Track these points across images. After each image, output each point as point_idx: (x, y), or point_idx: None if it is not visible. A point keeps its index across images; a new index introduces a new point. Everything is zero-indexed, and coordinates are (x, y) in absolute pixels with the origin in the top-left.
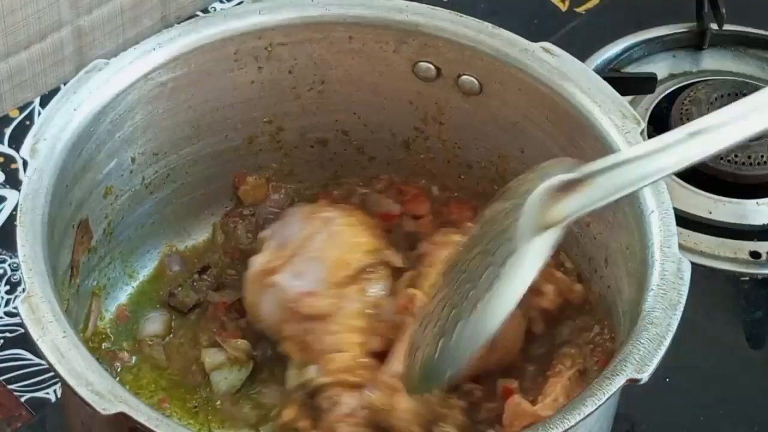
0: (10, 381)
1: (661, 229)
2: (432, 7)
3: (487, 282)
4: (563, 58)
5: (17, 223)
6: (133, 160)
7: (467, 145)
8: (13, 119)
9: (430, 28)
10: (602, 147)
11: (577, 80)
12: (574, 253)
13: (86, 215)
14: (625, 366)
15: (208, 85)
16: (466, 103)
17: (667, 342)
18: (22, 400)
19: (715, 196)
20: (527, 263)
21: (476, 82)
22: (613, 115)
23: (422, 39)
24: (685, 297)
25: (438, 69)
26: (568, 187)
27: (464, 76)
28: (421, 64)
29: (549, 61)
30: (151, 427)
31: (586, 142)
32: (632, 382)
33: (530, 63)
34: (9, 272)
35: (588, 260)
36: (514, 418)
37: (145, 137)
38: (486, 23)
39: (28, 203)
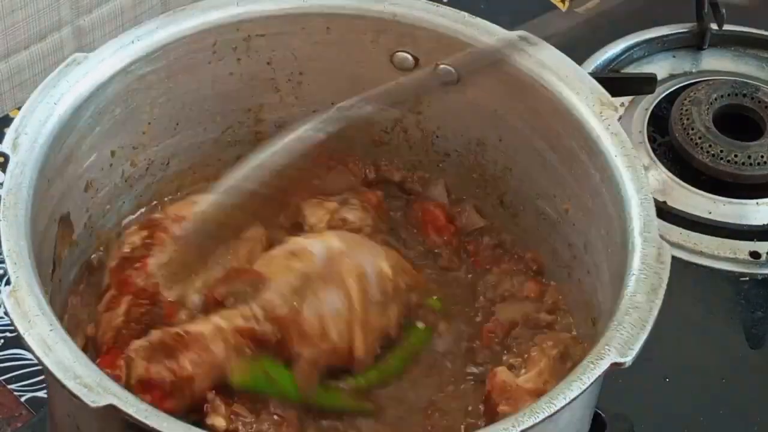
0: (10, 381)
1: (641, 215)
2: None
3: None
4: (541, 47)
5: (0, 217)
6: (113, 153)
7: (446, 135)
8: (13, 119)
9: (407, 18)
10: (580, 135)
11: (555, 68)
12: (552, 239)
13: (67, 209)
14: (609, 350)
15: (187, 77)
16: (444, 93)
17: (649, 326)
18: (22, 399)
19: (715, 196)
20: None
21: (454, 71)
22: (592, 103)
23: (400, 29)
24: (666, 281)
25: (416, 59)
26: None
27: (442, 66)
28: (399, 54)
29: (527, 49)
30: (140, 418)
31: (565, 130)
32: (616, 366)
33: (508, 52)
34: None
35: (567, 246)
36: (499, 394)
37: (124, 130)
38: (463, 12)
39: (11, 198)
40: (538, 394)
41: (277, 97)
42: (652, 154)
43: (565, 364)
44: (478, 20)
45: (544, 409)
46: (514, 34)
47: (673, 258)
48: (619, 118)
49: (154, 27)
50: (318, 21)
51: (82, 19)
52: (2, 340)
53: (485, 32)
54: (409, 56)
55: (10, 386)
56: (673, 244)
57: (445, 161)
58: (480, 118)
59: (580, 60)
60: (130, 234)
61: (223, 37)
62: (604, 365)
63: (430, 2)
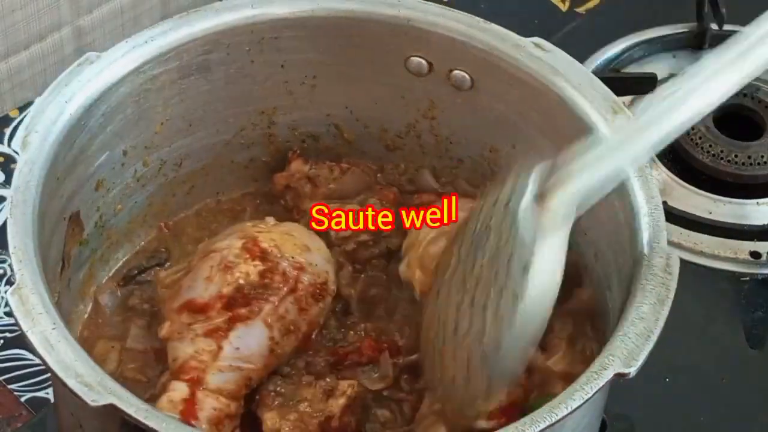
0: (10, 381)
1: (650, 224)
2: (424, 1)
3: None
4: (554, 54)
5: (8, 215)
6: (124, 153)
7: (459, 140)
8: (13, 119)
9: (421, 23)
10: None
11: (568, 75)
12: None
13: (78, 208)
14: (613, 360)
15: (200, 78)
16: (458, 98)
17: (655, 337)
18: (22, 400)
19: (715, 196)
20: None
21: (468, 76)
22: (604, 111)
23: (414, 34)
24: (673, 292)
25: (430, 64)
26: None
27: (456, 71)
28: (413, 58)
29: (540, 56)
30: (140, 418)
31: (577, 138)
32: (620, 377)
33: (521, 58)
34: (9, 272)
35: (578, 255)
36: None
37: (137, 130)
38: (477, 18)
39: (20, 195)
40: (568, 376)
41: (290, 100)
42: (653, 154)
43: (575, 347)
44: (492, 26)
45: (545, 418)
46: (528, 40)
47: None
48: None
49: (168, 28)
50: (332, 24)
51: (82, 19)
52: (2, 341)
53: (499, 38)
54: (423, 61)
55: (10, 386)
56: (673, 244)
57: (459, 167)
58: (493, 124)
59: (580, 60)
60: (236, 254)
61: (236, 39)
62: (607, 375)
63: (445, 7)
